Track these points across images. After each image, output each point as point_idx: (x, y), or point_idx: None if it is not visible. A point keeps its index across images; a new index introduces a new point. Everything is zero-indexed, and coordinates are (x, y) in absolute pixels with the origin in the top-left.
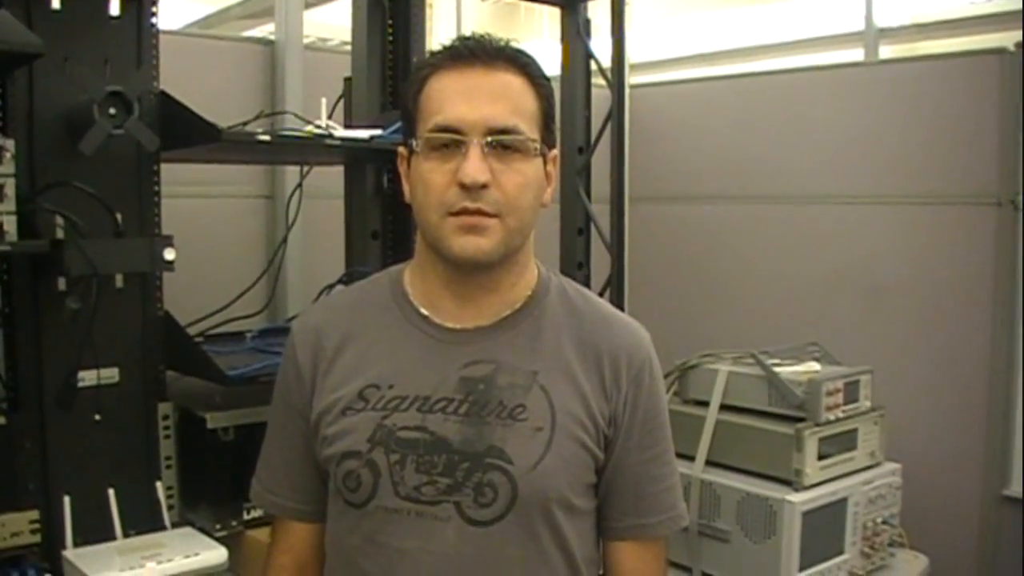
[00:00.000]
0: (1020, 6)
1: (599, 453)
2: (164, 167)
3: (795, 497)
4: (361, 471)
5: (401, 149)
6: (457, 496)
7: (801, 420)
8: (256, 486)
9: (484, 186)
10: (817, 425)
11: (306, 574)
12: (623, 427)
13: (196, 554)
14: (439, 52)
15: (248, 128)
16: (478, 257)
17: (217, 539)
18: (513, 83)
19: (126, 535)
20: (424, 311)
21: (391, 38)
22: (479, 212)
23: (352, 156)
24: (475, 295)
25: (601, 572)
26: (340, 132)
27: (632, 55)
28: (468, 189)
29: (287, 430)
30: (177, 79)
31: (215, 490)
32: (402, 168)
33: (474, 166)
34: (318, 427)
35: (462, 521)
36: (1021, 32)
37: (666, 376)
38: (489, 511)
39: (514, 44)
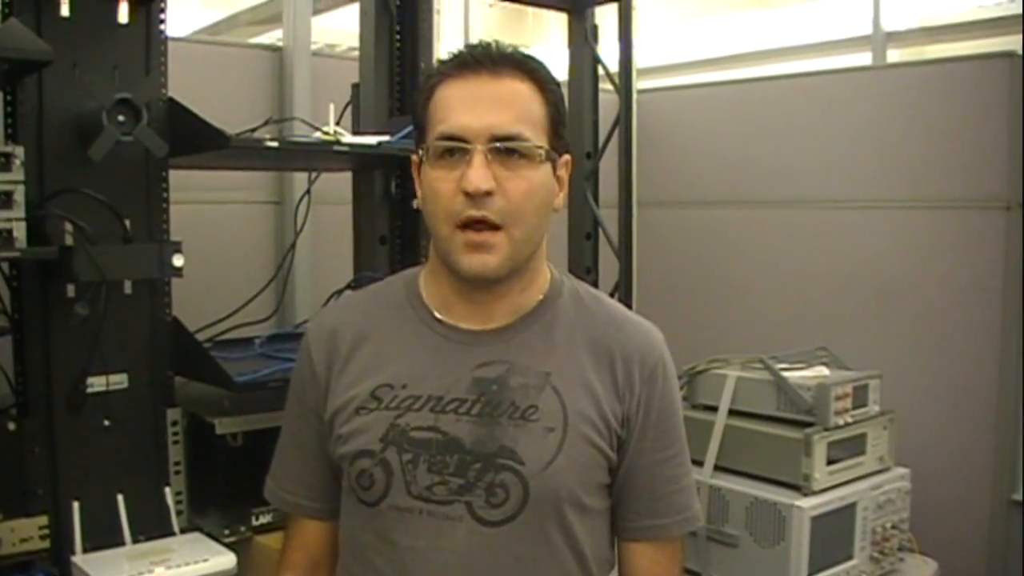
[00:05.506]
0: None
1: (611, 454)
2: (172, 173)
3: (804, 502)
4: (374, 470)
5: (414, 156)
6: (469, 496)
7: (810, 425)
8: (270, 484)
9: (488, 194)
10: (826, 430)
11: (319, 571)
12: (637, 428)
13: (205, 559)
14: (447, 60)
15: (256, 134)
16: (486, 274)
17: (226, 544)
18: (519, 89)
19: (135, 540)
20: (438, 314)
21: (399, 44)
22: (484, 221)
23: (360, 162)
24: (487, 300)
25: (616, 572)
26: (348, 138)
27: (639, 60)
28: (472, 197)
29: (301, 429)
30: (185, 86)
31: (224, 495)
32: (416, 174)
33: (477, 174)
34: (332, 426)
35: (473, 521)
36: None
37: None
38: (500, 511)
39: (523, 49)
